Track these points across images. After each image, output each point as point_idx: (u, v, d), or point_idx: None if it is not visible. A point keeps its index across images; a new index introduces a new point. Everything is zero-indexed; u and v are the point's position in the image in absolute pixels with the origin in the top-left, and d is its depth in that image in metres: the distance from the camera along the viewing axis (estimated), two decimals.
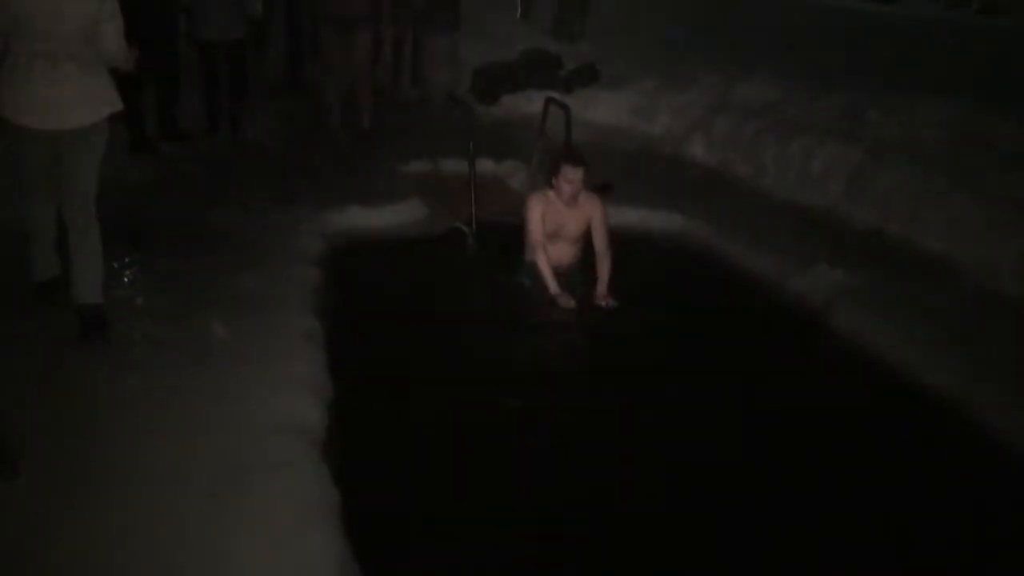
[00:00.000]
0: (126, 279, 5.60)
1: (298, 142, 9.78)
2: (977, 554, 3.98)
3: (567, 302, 6.10)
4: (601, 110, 11.46)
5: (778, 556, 3.83)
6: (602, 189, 8.17)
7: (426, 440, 4.51)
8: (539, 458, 4.45)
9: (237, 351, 4.81)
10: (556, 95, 9.66)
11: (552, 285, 6.15)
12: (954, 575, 3.88)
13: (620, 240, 6.79)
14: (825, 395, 5.26)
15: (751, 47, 14.22)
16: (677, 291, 6.62)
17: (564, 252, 6.41)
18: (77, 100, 4.66)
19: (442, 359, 5.42)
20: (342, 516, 3.62)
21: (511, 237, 6.76)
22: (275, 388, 4.43)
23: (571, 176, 6.11)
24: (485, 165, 8.71)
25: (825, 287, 6.40)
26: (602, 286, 6.27)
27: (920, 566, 3.88)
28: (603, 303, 6.19)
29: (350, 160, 9.02)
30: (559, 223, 6.29)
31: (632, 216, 7.94)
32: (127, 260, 5.75)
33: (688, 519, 4.06)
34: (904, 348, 5.60)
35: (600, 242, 6.36)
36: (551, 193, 6.29)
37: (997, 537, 4.13)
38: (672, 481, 4.32)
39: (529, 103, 11.19)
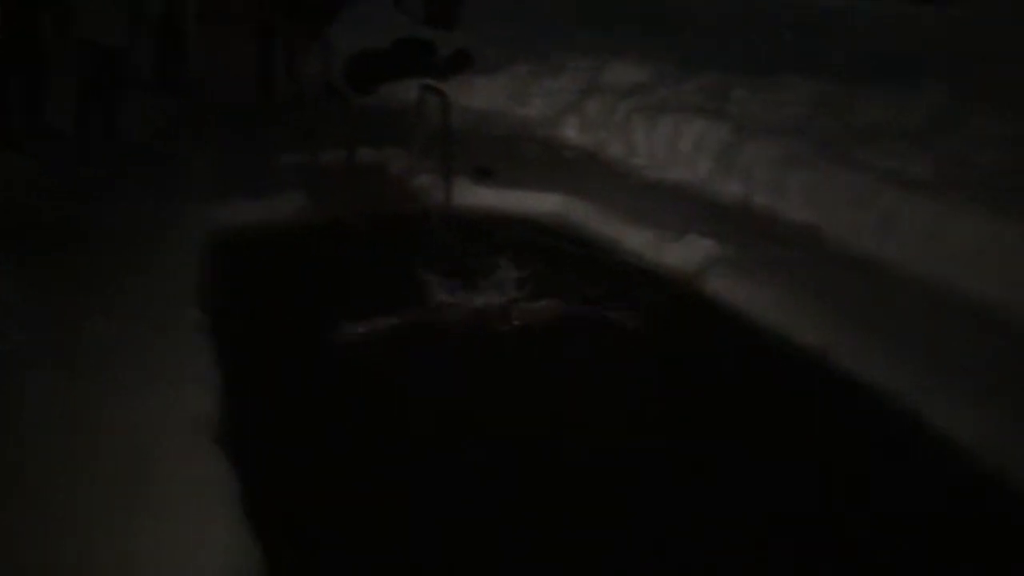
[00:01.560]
0: None
1: (175, 138, 9.64)
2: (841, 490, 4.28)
3: None
4: (477, 95, 11.59)
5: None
6: (482, 172, 8.37)
7: (316, 425, 4.60)
8: (423, 432, 4.61)
9: (126, 348, 4.81)
10: (431, 82, 9.75)
11: None
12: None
13: (501, 223, 6.95)
14: (700, 355, 5.53)
15: (624, 31, 14.49)
16: (556, 268, 6.78)
17: None
18: None
19: (329, 347, 5.47)
20: (241, 501, 3.69)
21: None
22: (166, 382, 4.47)
23: None
24: (366, 153, 8.79)
25: (696, 256, 6.68)
26: None
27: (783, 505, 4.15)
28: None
29: (229, 154, 8.95)
30: None
31: (511, 198, 8.12)
32: None
33: (548, 465, 4.30)
34: (773, 309, 5.93)
35: None
36: None
37: (857, 471, 4.45)
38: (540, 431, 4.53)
39: (405, 90, 11.22)
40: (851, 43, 12.51)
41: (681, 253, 6.81)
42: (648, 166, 9.27)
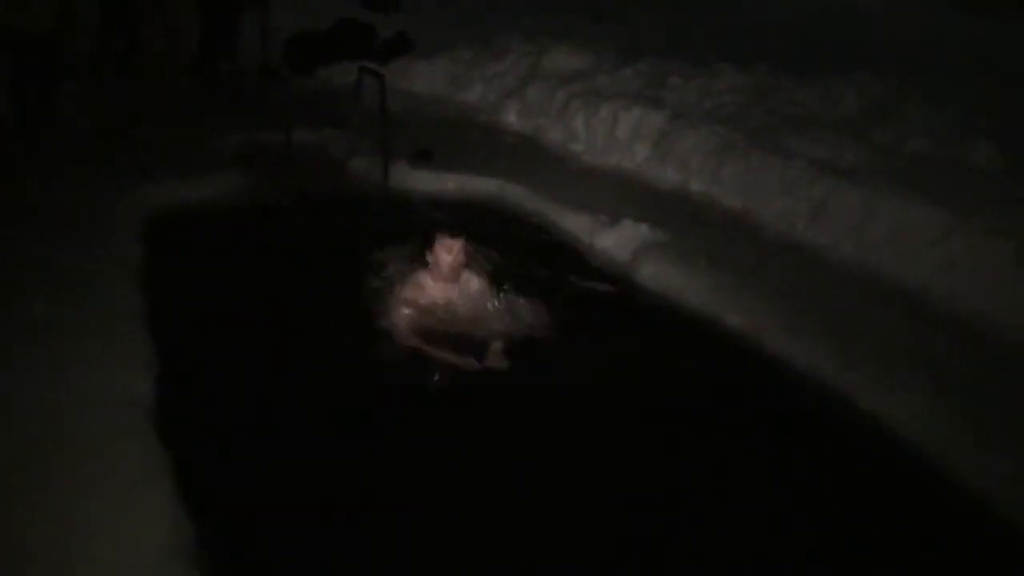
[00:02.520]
0: None
1: (112, 119, 9.50)
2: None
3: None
4: (417, 79, 11.58)
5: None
6: (421, 156, 8.39)
7: (251, 407, 4.61)
8: (355, 419, 4.62)
9: (62, 327, 4.79)
10: (371, 65, 9.73)
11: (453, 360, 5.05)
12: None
13: (439, 205, 6.97)
14: (632, 338, 5.60)
15: (567, 16, 14.54)
16: (492, 248, 6.81)
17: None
18: None
19: (267, 329, 5.42)
20: (174, 480, 3.71)
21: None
22: (101, 362, 4.48)
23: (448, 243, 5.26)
24: (304, 135, 8.75)
25: (631, 241, 6.77)
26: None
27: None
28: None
29: (167, 135, 8.83)
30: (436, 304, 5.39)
31: (451, 181, 8.16)
32: None
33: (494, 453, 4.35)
34: (704, 293, 6.05)
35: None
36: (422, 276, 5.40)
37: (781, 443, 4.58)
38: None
39: (344, 74, 11.18)
40: (789, 33, 12.69)
41: (616, 238, 6.89)
42: (587, 152, 9.33)
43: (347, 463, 4.19)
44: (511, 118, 10.40)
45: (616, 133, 9.19)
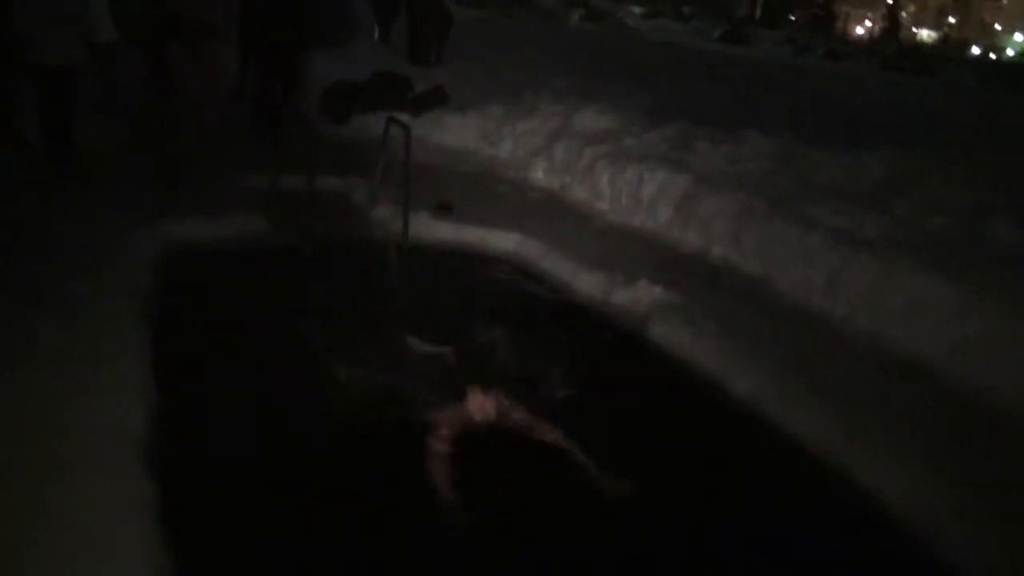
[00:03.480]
0: None
1: (137, 154, 9.64)
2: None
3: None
4: (449, 133, 11.71)
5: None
6: (442, 208, 8.46)
7: (246, 444, 4.64)
8: (358, 454, 4.65)
9: (64, 354, 4.83)
10: (404, 117, 9.86)
11: None
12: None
13: (457, 256, 7.02)
14: (636, 398, 5.60)
15: (598, 79, 14.72)
16: (506, 305, 6.87)
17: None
18: None
19: (268, 369, 5.51)
20: (158, 514, 3.74)
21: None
22: (99, 391, 4.51)
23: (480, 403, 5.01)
24: (329, 182, 8.85)
25: (645, 302, 6.78)
26: None
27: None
28: None
29: (191, 172, 8.95)
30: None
31: (470, 234, 8.22)
32: None
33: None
34: (713, 357, 6.04)
35: None
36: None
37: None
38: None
39: (378, 124, 11.30)
40: (809, 101, 12.74)
41: (629, 297, 6.91)
42: (611, 211, 9.38)
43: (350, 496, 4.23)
44: (538, 174, 10.49)
45: (640, 194, 9.23)
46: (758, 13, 70.65)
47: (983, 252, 7.25)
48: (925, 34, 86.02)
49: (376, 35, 18.00)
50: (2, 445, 3.96)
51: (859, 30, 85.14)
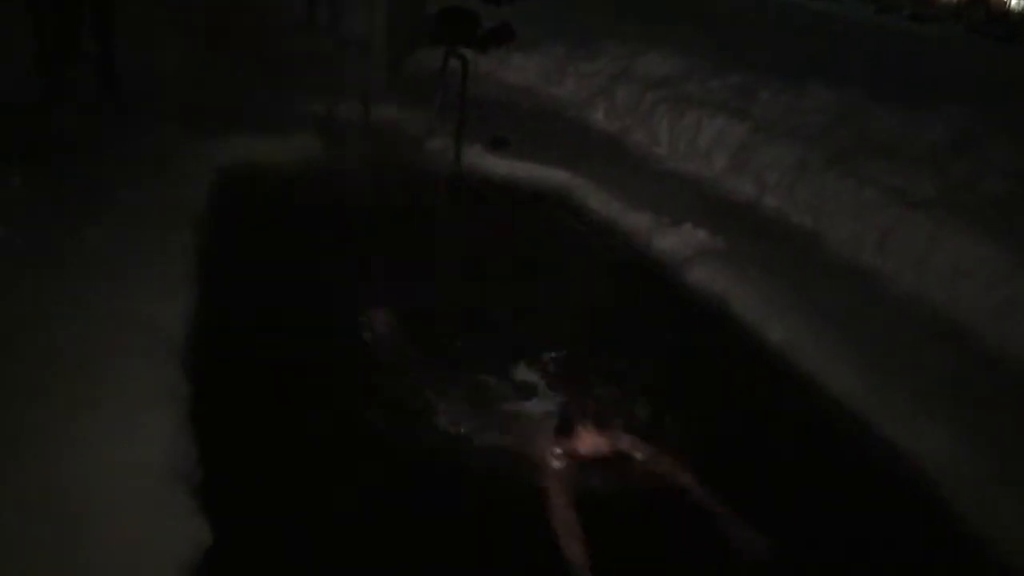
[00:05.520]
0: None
1: (200, 76, 9.76)
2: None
3: None
4: (512, 70, 11.72)
5: None
6: (497, 141, 8.52)
7: (280, 354, 4.78)
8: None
9: (115, 257, 4.99)
10: (469, 52, 9.88)
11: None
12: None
13: (507, 189, 7.07)
14: (666, 338, 5.66)
15: (662, 24, 14.57)
16: (550, 239, 6.94)
17: None
18: None
19: (312, 290, 5.63)
20: (187, 402, 3.90)
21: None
22: (144, 292, 4.66)
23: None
24: (387, 111, 8.95)
25: (688, 245, 6.80)
26: None
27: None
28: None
29: (251, 96, 9.07)
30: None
31: (523, 169, 8.27)
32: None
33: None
34: (750, 303, 6.04)
35: None
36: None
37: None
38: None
39: (441, 57, 11.35)
40: (880, 59, 12.49)
41: (673, 239, 6.93)
42: (667, 156, 9.37)
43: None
44: (598, 116, 10.48)
45: (698, 140, 9.20)
46: None
47: None
48: (1015, 1, 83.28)
49: None
50: (39, 338, 4.12)
51: None
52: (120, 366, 3.97)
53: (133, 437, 3.53)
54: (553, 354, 5.12)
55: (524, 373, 4.92)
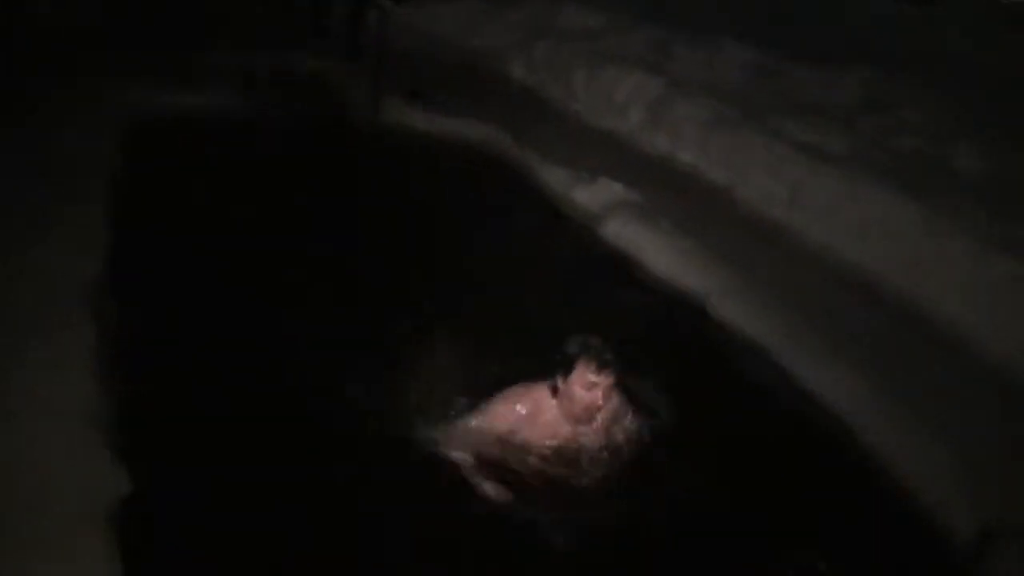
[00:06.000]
0: None
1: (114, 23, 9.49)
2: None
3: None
4: (431, 21, 11.56)
5: None
6: (414, 94, 8.43)
7: (196, 306, 4.71)
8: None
9: (29, 211, 4.90)
10: (388, 2, 9.73)
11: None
12: None
13: (424, 142, 7.01)
14: (581, 291, 5.68)
15: None
16: (467, 193, 6.90)
17: None
18: None
19: (225, 243, 5.52)
20: (97, 347, 3.85)
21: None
22: (60, 245, 4.62)
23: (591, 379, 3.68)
24: (306, 61, 8.80)
25: (604, 198, 6.81)
26: None
27: None
28: None
29: (166, 45, 8.85)
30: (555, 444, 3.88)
31: (441, 123, 8.21)
32: None
33: None
34: (661, 255, 6.08)
35: None
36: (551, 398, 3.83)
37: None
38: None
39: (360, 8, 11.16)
40: (797, 18, 12.53)
41: (590, 193, 6.93)
42: (584, 111, 9.34)
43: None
44: (516, 69, 10.40)
45: (615, 95, 9.19)
46: None
47: (944, 175, 7.29)
48: None
49: None
50: None
51: None
52: (39, 317, 3.90)
53: (51, 388, 3.49)
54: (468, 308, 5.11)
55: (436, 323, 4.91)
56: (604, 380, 3.65)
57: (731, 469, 4.12)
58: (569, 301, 5.50)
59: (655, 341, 5.20)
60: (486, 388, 4.02)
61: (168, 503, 3.27)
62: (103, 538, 2.93)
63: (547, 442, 3.82)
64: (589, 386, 3.65)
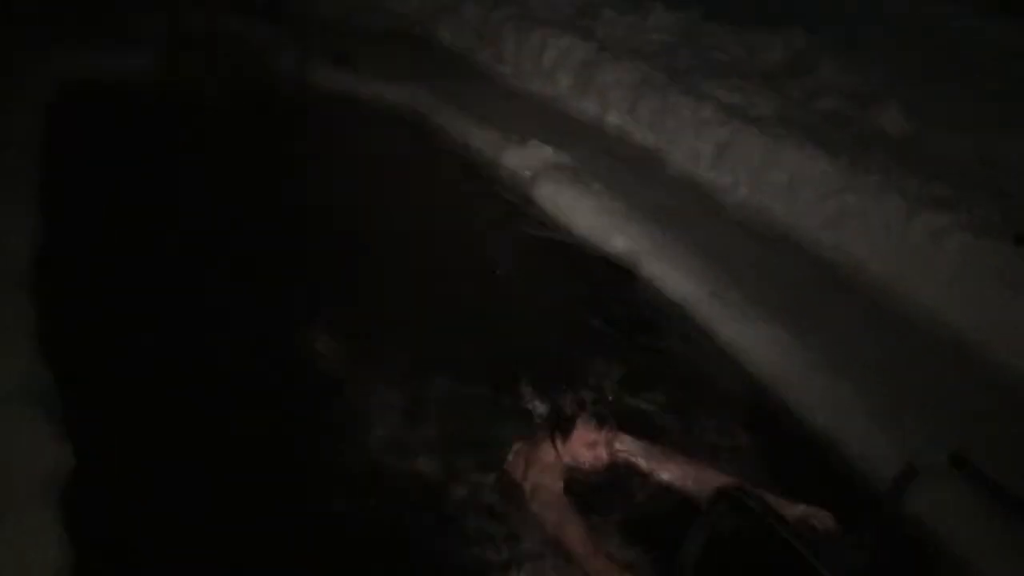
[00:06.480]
0: None
1: None
2: None
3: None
4: None
5: None
6: (340, 58, 8.33)
7: (126, 276, 4.68)
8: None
9: None
10: None
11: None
12: None
13: (352, 105, 6.96)
14: (511, 251, 5.74)
15: None
16: (396, 157, 6.87)
17: None
18: None
19: (153, 211, 5.45)
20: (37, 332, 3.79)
21: None
22: None
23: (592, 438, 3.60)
24: (232, 24, 8.62)
25: (534, 161, 6.83)
26: None
27: None
28: None
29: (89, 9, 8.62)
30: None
31: (368, 86, 8.12)
32: None
33: None
34: (592, 216, 6.13)
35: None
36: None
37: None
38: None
39: None
40: None
41: (520, 156, 6.94)
42: (513, 75, 9.32)
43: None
44: (445, 33, 10.31)
45: (543, 59, 9.18)
46: None
47: (866, 134, 7.45)
48: None
49: None
50: None
51: None
52: None
53: None
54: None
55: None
56: (605, 436, 3.57)
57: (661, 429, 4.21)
58: (500, 263, 5.54)
59: (588, 301, 5.27)
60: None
61: (111, 477, 3.28)
62: (49, 514, 2.93)
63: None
64: (591, 445, 3.56)
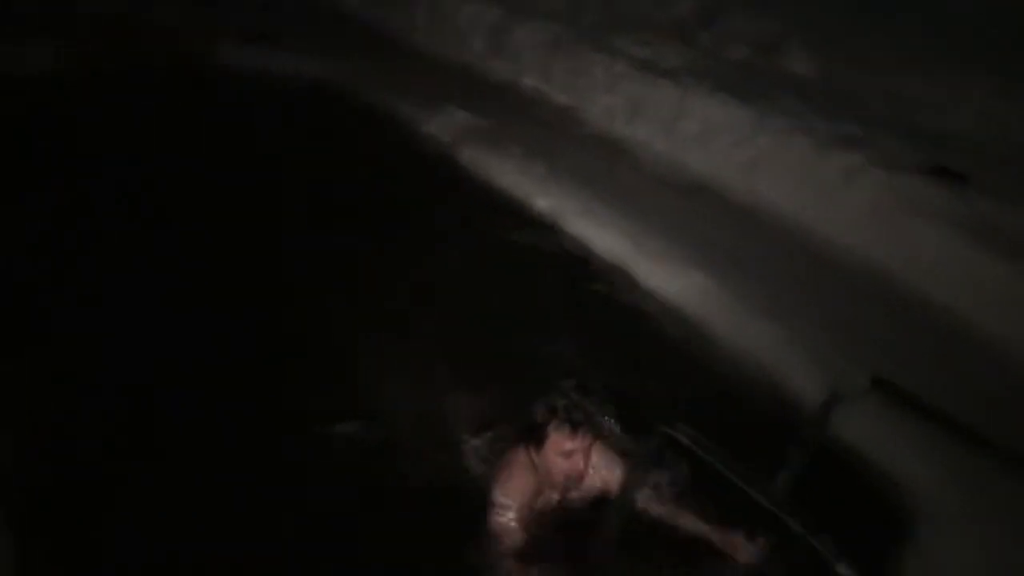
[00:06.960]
0: None
1: None
2: None
3: None
4: None
5: None
6: (254, 36, 8.28)
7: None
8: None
9: None
10: None
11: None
12: None
13: (268, 82, 6.95)
14: (437, 219, 5.81)
15: None
16: (314, 132, 6.86)
17: None
18: None
19: (57, 199, 5.35)
20: None
21: None
22: None
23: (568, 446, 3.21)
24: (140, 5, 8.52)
25: (453, 128, 6.90)
26: None
27: None
28: None
29: None
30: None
31: (280, 61, 8.08)
32: None
33: None
34: (514, 178, 6.23)
35: None
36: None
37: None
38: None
39: None
40: None
41: (439, 123, 6.99)
42: (426, 42, 9.31)
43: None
44: (353, 2, 10.26)
45: (456, 24, 9.20)
46: None
47: (776, 80, 7.62)
48: None
49: None
50: None
51: None
52: None
53: None
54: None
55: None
56: (581, 443, 3.19)
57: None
58: (427, 231, 5.60)
59: (514, 264, 5.37)
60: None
61: (59, 474, 3.28)
62: None
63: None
64: (567, 454, 3.19)
